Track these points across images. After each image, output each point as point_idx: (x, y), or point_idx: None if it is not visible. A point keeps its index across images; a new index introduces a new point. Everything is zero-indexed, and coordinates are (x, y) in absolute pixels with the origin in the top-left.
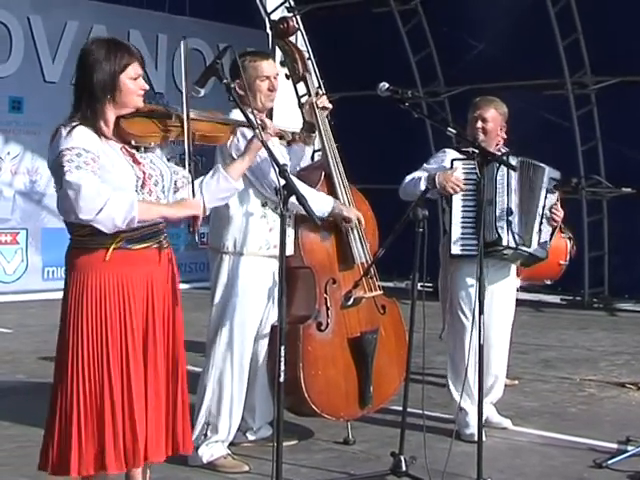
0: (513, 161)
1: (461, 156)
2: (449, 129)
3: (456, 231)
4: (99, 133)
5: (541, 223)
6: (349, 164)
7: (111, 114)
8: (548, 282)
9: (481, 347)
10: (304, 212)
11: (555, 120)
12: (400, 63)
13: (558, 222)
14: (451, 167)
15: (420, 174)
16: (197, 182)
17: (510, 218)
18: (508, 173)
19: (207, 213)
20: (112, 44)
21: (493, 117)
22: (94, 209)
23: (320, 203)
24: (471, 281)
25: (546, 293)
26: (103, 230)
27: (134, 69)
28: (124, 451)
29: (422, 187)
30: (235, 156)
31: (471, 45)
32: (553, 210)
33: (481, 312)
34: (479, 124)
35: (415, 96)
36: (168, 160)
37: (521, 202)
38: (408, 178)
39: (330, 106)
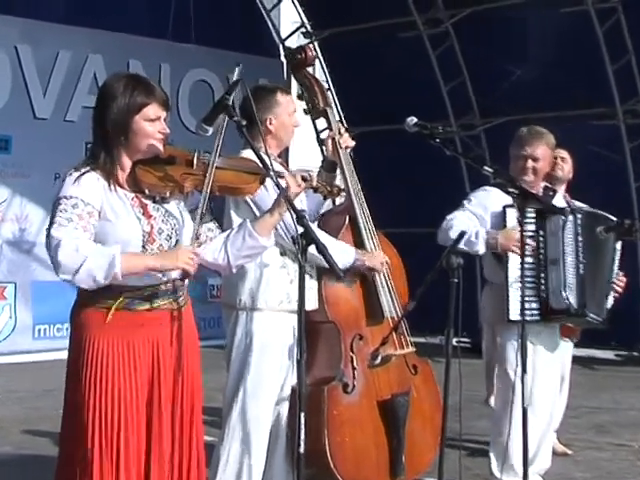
0: (579, 214)
1: (510, 199)
2: (485, 168)
3: (514, 293)
4: (110, 180)
5: (611, 287)
6: (374, 206)
7: (126, 159)
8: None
9: (525, 411)
10: (325, 263)
11: (605, 153)
12: (430, 93)
13: (620, 292)
14: (504, 218)
15: (465, 219)
16: (222, 236)
17: (580, 282)
18: (576, 227)
19: (234, 272)
20: (131, 80)
21: (544, 154)
22: (72, 269)
23: (340, 254)
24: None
25: (598, 348)
26: (86, 288)
27: (153, 110)
28: None
29: (480, 249)
30: (252, 205)
31: (509, 71)
32: (616, 279)
33: (524, 370)
34: (529, 164)
35: (447, 131)
36: (191, 212)
37: (589, 263)
38: (455, 226)
39: (353, 143)
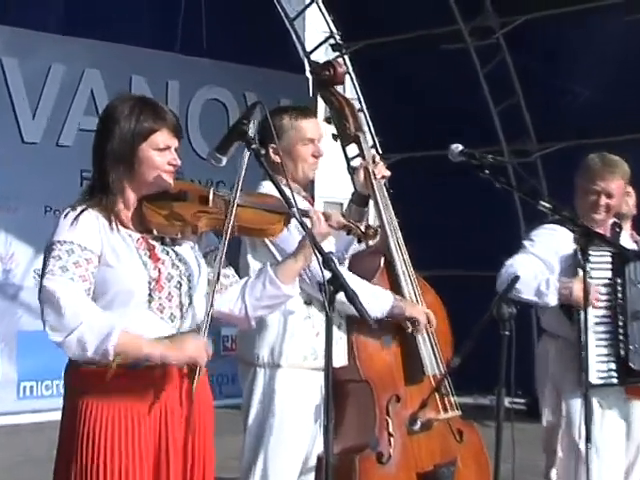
0: None
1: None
2: (542, 203)
3: (592, 352)
4: (112, 219)
5: None
6: (412, 246)
7: (131, 193)
8: None
9: None
10: (355, 312)
11: None
12: (478, 114)
13: None
14: (575, 260)
15: (528, 264)
16: (239, 285)
17: None
18: None
19: (253, 325)
20: (138, 103)
21: (619, 189)
22: (64, 331)
23: (375, 301)
24: (596, 405)
25: None
26: (71, 357)
27: (162, 138)
28: None
29: (551, 301)
30: (272, 247)
31: (569, 89)
32: None
33: (588, 440)
34: (602, 201)
35: (498, 160)
36: (205, 256)
37: None
38: (519, 270)
39: (388, 173)
